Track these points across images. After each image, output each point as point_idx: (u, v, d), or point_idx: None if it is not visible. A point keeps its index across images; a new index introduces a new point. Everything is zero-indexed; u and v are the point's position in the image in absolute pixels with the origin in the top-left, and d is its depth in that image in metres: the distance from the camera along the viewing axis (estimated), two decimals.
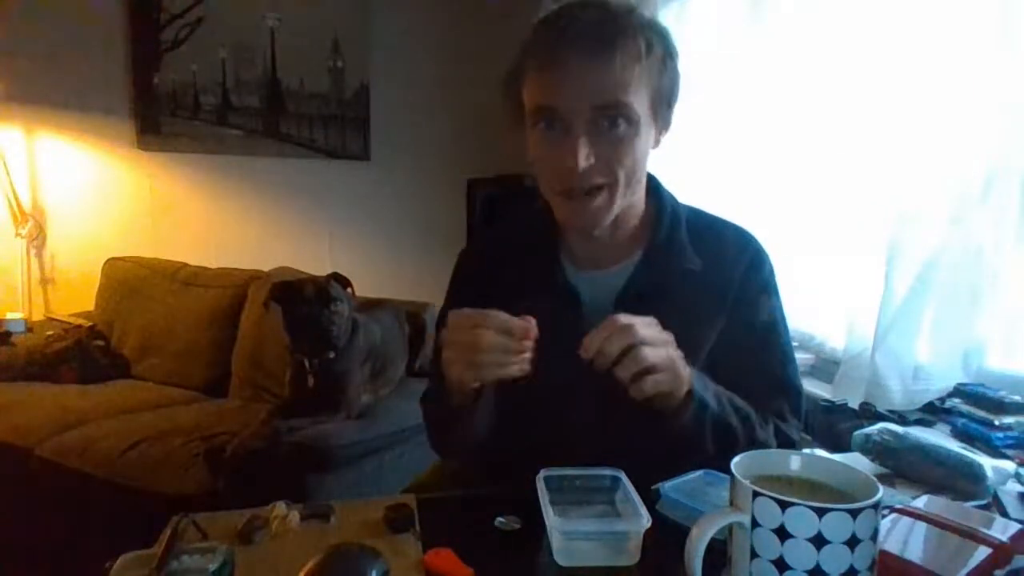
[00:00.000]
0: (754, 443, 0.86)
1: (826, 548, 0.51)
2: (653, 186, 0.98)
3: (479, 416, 0.90)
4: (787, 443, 0.91)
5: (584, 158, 0.82)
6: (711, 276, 0.93)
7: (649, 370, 0.75)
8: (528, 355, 0.78)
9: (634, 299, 0.91)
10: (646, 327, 0.76)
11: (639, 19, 0.85)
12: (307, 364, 1.88)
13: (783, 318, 0.98)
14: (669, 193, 0.99)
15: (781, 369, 0.96)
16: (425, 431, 1.05)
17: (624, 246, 0.95)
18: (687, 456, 0.85)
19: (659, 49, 0.85)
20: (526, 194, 1.38)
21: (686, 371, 0.80)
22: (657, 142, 0.91)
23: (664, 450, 0.84)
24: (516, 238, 1.05)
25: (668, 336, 0.78)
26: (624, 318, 0.76)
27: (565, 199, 0.88)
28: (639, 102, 0.83)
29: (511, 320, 0.77)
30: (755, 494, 0.53)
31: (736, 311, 0.94)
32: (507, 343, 0.76)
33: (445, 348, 0.81)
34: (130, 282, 2.70)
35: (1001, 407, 1.19)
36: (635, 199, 0.93)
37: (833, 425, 1.29)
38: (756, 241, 0.99)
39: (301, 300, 1.85)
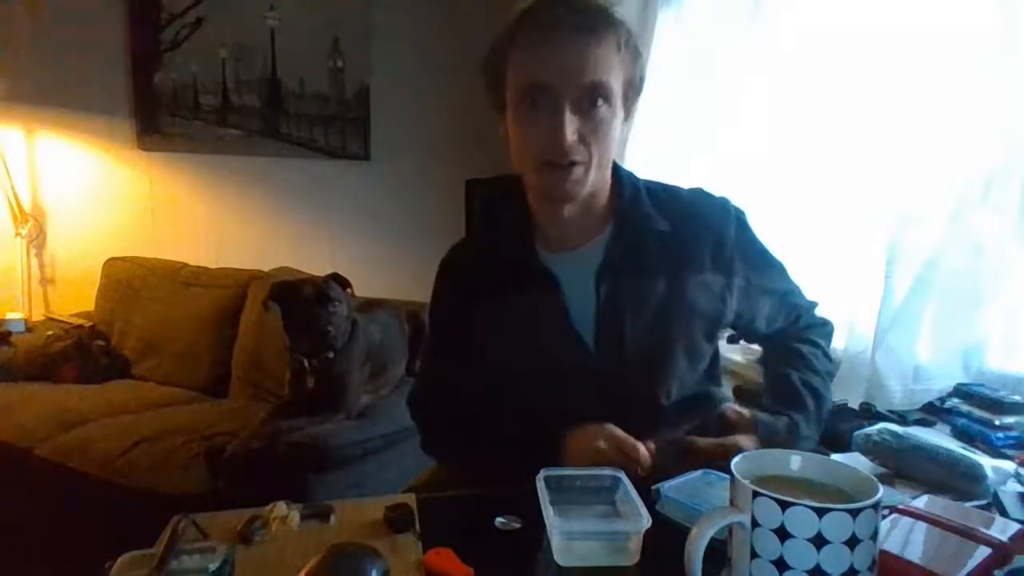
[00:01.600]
0: (829, 377, 1.06)
1: (826, 548, 0.51)
2: (613, 167, 1.02)
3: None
4: (827, 334, 1.12)
5: (571, 133, 0.87)
6: (687, 236, 0.98)
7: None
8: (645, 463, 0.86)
9: (613, 271, 0.96)
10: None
11: (614, 15, 0.90)
12: (307, 364, 1.89)
13: (772, 253, 1.06)
14: (626, 170, 1.04)
15: (796, 296, 1.09)
16: (418, 432, 1.08)
17: (593, 226, 0.99)
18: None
19: (631, 45, 0.91)
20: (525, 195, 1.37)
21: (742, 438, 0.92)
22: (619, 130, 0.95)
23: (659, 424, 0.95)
24: (491, 236, 1.10)
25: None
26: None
27: (547, 169, 0.91)
28: (616, 88, 0.89)
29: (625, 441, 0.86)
30: (755, 494, 0.53)
31: (745, 269, 1.00)
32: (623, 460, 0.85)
33: (570, 455, 0.88)
34: (130, 282, 2.70)
35: (1001, 407, 1.19)
36: (603, 179, 0.97)
37: (833, 425, 1.28)
38: (721, 198, 1.04)
39: (300, 300, 1.86)
